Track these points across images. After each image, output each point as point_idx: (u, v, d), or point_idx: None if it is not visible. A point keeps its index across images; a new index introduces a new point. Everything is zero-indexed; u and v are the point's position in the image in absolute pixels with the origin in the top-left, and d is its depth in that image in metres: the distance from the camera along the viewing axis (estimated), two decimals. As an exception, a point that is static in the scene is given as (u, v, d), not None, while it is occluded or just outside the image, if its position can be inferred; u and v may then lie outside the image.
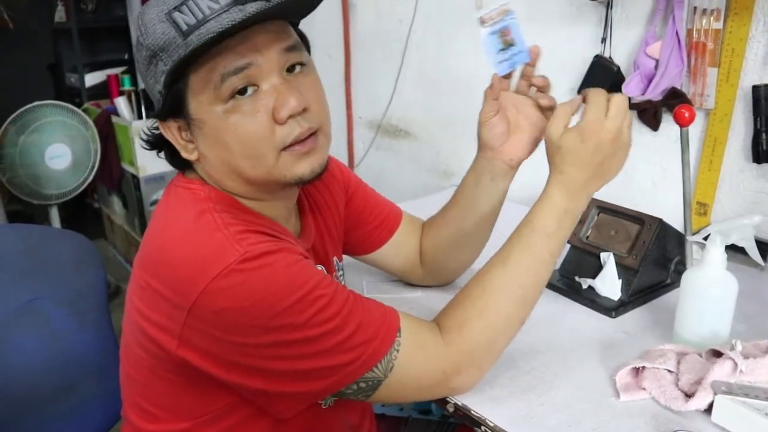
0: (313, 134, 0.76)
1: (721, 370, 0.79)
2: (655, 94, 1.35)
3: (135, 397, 0.84)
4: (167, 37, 0.70)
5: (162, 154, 0.85)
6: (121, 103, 3.05)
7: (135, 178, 3.02)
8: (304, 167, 0.76)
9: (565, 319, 1.07)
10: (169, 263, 0.72)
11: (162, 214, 0.80)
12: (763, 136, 1.21)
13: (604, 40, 1.45)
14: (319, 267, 0.93)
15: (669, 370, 0.84)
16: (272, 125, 0.73)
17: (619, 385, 0.85)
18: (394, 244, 1.09)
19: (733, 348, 0.82)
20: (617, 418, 0.80)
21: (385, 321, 0.75)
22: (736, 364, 0.79)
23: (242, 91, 0.72)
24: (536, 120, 0.95)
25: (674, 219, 1.13)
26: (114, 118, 3.11)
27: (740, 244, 0.97)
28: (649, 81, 1.35)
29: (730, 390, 0.77)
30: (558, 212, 0.81)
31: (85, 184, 2.95)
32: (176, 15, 0.69)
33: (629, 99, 1.38)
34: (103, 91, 3.49)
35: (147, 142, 0.84)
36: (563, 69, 1.56)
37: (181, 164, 0.83)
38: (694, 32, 1.28)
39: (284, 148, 0.74)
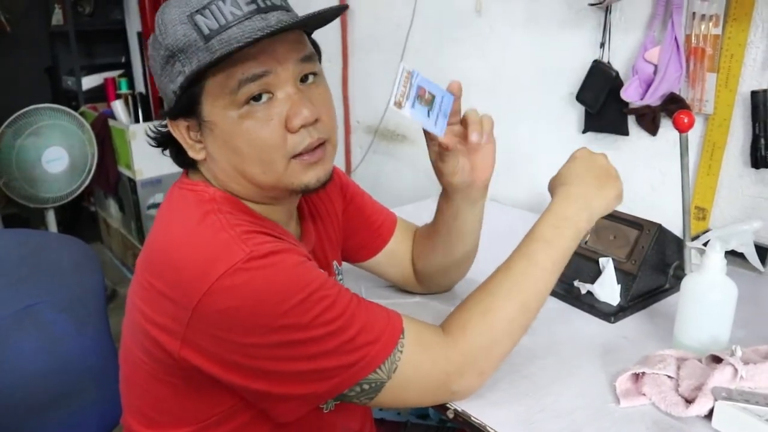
0: (321, 144, 0.78)
1: (721, 376, 0.79)
2: (653, 99, 1.35)
3: (135, 402, 0.84)
4: (188, 40, 0.71)
5: (163, 155, 0.86)
6: (118, 107, 3.05)
7: (132, 181, 3.02)
8: (310, 176, 0.78)
9: (565, 325, 1.07)
10: (174, 263, 0.72)
11: (165, 215, 0.80)
12: (762, 141, 1.22)
13: (602, 44, 1.45)
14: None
15: (669, 376, 0.84)
16: (284, 133, 0.74)
17: (619, 391, 0.85)
18: (388, 253, 1.10)
19: (733, 353, 0.82)
20: (617, 424, 0.80)
21: (389, 322, 0.75)
22: (736, 370, 0.79)
23: (257, 98, 0.73)
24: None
25: (673, 223, 1.14)
26: (111, 122, 3.11)
27: (740, 250, 0.97)
28: (648, 86, 1.35)
29: (731, 396, 0.77)
30: (557, 219, 0.83)
31: (82, 188, 2.94)
32: (198, 18, 0.71)
33: (627, 104, 1.40)
34: (100, 94, 3.49)
35: (154, 139, 0.84)
36: (562, 74, 1.57)
37: (186, 163, 0.83)
38: (693, 37, 1.28)
39: (294, 156, 0.76)
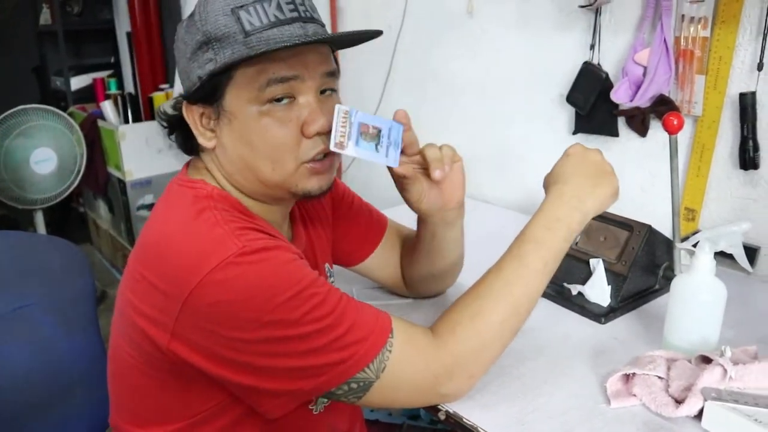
0: (329, 155, 0.81)
1: (710, 377, 0.80)
2: (643, 100, 1.36)
3: (124, 400, 0.84)
4: (228, 30, 0.74)
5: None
6: (108, 107, 3.04)
7: (121, 182, 3.00)
8: (314, 183, 0.81)
9: (555, 326, 1.07)
10: (167, 256, 0.73)
11: (162, 210, 0.81)
12: (750, 143, 1.23)
13: (592, 46, 1.46)
14: None
15: (659, 377, 0.85)
16: (299, 137, 0.77)
17: (609, 392, 0.85)
18: (378, 256, 1.10)
19: (722, 354, 0.83)
20: (608, 425, 0.80)
21: (378, 322, 0.76)
22: (725, 371, 0.80)
23: (279, 99, 0.76)
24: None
25: (662, 224, 1.14)
26: (100, 122, 3.09)
27: (729, 251, 0.98)
28: (638, 88, 1.36)
29: (720, 396, 0.78)
30: (549, 220, 0.82)
31: (71, 189, 2.92)
32: (242, 13, 0.74)
33: (617, 106, 1.40)
34: (89, 94, 3.47)
35: (166, 120, 0.86)
36: (552, 75, 1.57)
37: (190, 149, 0.86)
38: (682, 40, 1.29)
39: (305, 162, 0.79)
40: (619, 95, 1.39)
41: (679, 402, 0.80)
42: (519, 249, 0.82)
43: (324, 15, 2.18)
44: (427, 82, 1.97)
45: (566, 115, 1.58)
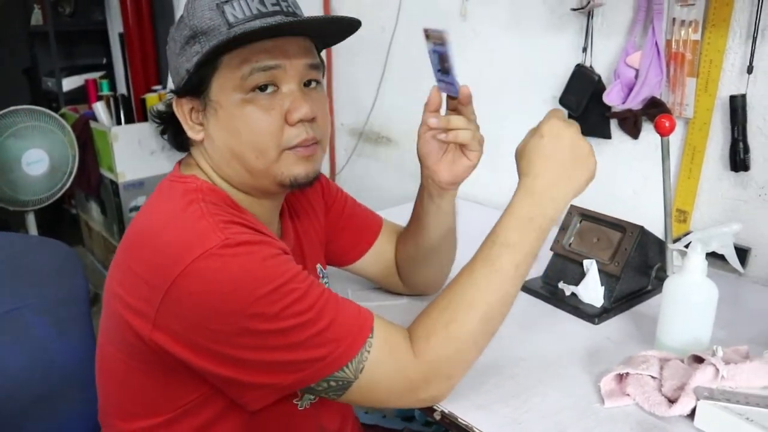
0: (314, 143, 0.82)
1: (703, 376, 0.81)
2: (635, 103, 1.37)
3: (110, 394, 0.84)
4: (213, 24, 0.76)
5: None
6: (100, 108, 3.02)
7: (114, 184, 2.99)
8: (300, 169, 0.81)
9: (549, 326, 1.08)
10: (152, 246, 0.74)
11: (152, 203, 0.82)
12: (741, 145, 1.24)
13: (585, 49, 1.47)
14: None
15: (652, 376, 0.85)
16: (282, 124, 0.79)
17: (603, 392, 0.86)
18: (373, 254, 1.10)
19: (714, 354, 0.84)
20: (602, 424, 0.81)
21: (358, 321, 0.76)
22: (717, 370, 0.81)
23: (263, 88, 0.78)
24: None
25: (654, 225, 1.15)
26: (92, 124, 3.08)
27: (720, 252, 0.99)
28: (630, 90, 1.37)
29: (712, 395, 0.78)
30: (521, 221, 0.80)
31: (63, 190, 2.90)
32: (226, 7, 0.76)
33: (610, 108, 1.41)
34: (81, 95, 3.45)
35: (157, 116, 0.88)
36: (545, 77, 1.58)
37: (180, 145, 0.87)
38: (673, 43, 1.30)
39: (288, 148, 0.80)
40: (612, 97, 1.40)
41: (672, 401, 0.81)
42: (490, 251, 0.79)
43: (317, 17, 2.19)
44: (422, 82, 1.97)
45: (559, 117, 1.58)
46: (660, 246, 1.15)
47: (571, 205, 1.23)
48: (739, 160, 1.25)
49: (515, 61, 1.67)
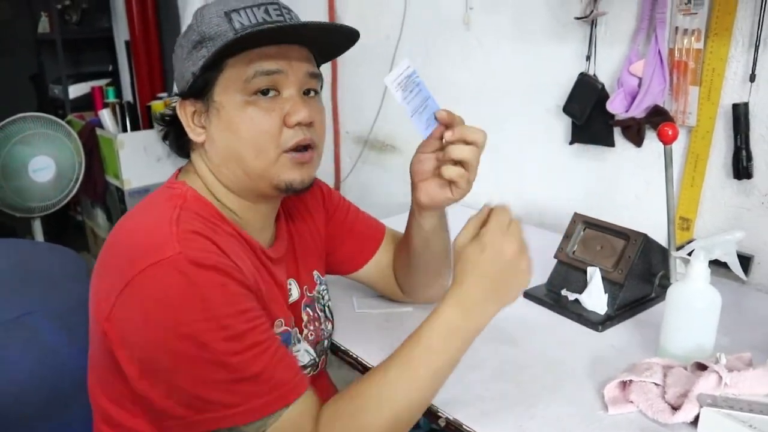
0: (310, 148, 0.85)
1: (706, 383, 0.81)
2: (638, 111, 1.38)
3: (98, 397, 0.84)
4: (220, 29, 0.80)
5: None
6: (106, 116, 3.04)
7: (119, 191, 3.01)
8: (295, 175, 0.84)
9: (553, 333, 1.08)
10: (122, 244, 0.77)
11: (138, 206, 0.85)
12: (743, 153, 1.24)
13: (588, 57, 1.48)
14: (291, 281, 0.96)
15: (656, 383, 0.86)
16: (281, 127, 0.82)
17: (607, 399, 0.86)
18: (375, 263, 1.11)
19: (717, 361, 0.84)
20: (606, 431, 0.82)
21: (285, 387, 0.73)
22: (720, 377, 0.81)
23: (264, 92, 0.81)
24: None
25: (657, 232, 1.16)
26: (98, 131, 3.10)
27: (723, 260, 0.99)
28: (633, 98, 1.38)
29: (716, 402, 0.79)
30: (448, 329, 0.76)
31: (69, 197, 2.93)
32: (233, 15, 0.80)
33: (613, 116, 1.42)
34: (87, 103, 3.47)
35: (162, 119, 0.90)
36: (549, 86, 1.59)
37: (181, 149, 0.89)
38: (676, 51, 1.31)
39: (285, 151, 0.82)
40: (615, 106, 1.41)
41: (675, 408, 0.81)
42: (411, 352, 0.76)
43: (322, 25, 2.20)
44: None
45: (563, 125, 1.59)
46: (663, 254, 1.15)
47: (575, 213, 1.23)
48: (741, 168, 1.25)
49: (519, 69, 1.68)
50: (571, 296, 1.15)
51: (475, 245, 0.77)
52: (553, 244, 1.23)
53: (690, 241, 1.06)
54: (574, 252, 1.19)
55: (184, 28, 0.86)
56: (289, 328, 0.90)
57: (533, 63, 1.64)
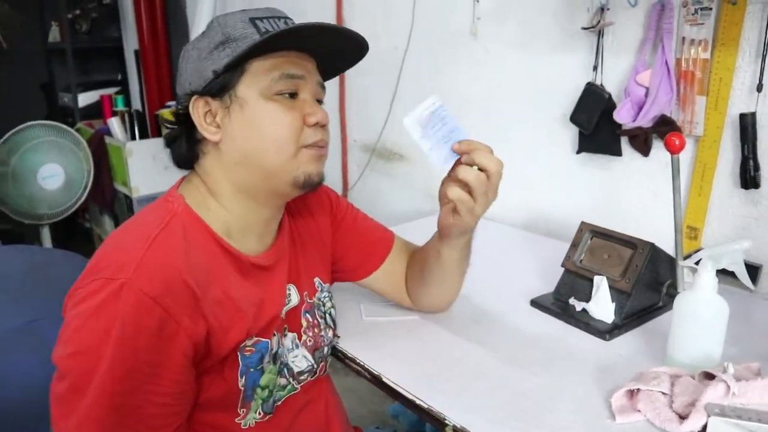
0: (324, 145, 0.90)
1: (714, 393, 0.81)
2: (645, 120, 1.38)
3: None
4: (245, 32, 0.84)
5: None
6: (115, 124, 3.07)
7: (128, 198, 3.03)
8: (314, 168, 0.88)
9: (560, 342, 1.08)
10: (100, 252, 0.80)
11: (135, 215, 0.89)
12: (751, 162, 1.25)
13: (595, 67, 1.48)
14: (291, 286, 0.96)
15: (663, 393, 0.86)
16: (301, 125, 0.86)
17: (614, 408, 0.86)
18: (383, 270, 1.12)
19: (725, 370, 0.84)
20: (613, 440, 0.82)
21: None
22: (728, 387, 0.81)
23: (285, 93, 0.86)
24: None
25: (665, 242, 1.16)
26: (107, 139, 3.12)
27: (731, 269, 0.99)
28: (640, 108, 1.38)
29: (723, 412, 0.78)
30: None
31: (78, 204, 2.95)
32: (258, 21, 0.85)
33: (620, 126, 1.42)
34: (96, 111, 3.50)
35: (172, 123, 0.91)
36: (556, 95, 1.60)
37: (188, 155, 0.90)
38: (683, 61, 1.32)
39: (304, 146, 0.87)
40: (622, 115, 1.41)
41: (682, 418, 0.81)
42: None
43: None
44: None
45: (570, 134, 1.60)
46: (671, 263, 1.15)
47: (582, 222, 1.24)
48: (749, 177, 1.25)
49: (526, 79, 1.69)
50: (579, 305, 1.15)
51: None
52: (560, 252, 1.23)
53: (697, 251, 1.06)
54: (581, 261, 1.20)
55: (192, 37, 0.88)
56: (267, 339, 0.88)
57: (540, 72, 1.65)
